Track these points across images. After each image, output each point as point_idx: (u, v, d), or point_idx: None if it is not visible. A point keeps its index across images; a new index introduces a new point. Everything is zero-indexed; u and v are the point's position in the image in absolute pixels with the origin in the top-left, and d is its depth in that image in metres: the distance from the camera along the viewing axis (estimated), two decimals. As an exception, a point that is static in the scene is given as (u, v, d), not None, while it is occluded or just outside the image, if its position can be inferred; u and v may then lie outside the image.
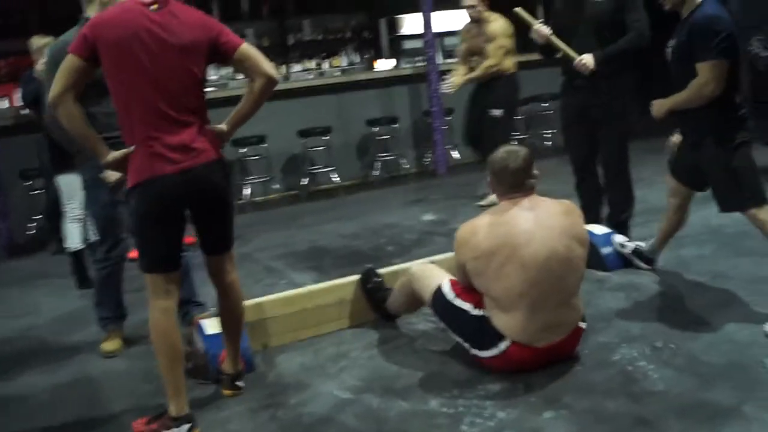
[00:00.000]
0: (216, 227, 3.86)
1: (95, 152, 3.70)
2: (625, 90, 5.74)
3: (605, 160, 5.90)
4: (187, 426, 3.71)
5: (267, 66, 3.71)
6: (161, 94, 3.56)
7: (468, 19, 8.28)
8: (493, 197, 7.44)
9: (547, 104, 11.43)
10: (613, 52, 5.58)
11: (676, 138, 4.86)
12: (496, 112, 8.11)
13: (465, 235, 3.99)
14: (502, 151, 4.01)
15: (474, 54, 8.19)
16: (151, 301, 3.72)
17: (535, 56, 11.28)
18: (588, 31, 5.67)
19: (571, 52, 5.64)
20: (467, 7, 8.13)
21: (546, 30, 5.78)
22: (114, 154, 3.66)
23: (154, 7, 3.60)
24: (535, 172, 4.01)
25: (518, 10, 5.95)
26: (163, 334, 3.69)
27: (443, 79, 8.41)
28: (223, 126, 3.82)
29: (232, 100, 3.98)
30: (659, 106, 4.65)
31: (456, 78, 8.16)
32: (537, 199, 3.99)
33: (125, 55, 3.52)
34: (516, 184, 3.95)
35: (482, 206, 7.82)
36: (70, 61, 3.55)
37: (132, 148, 3.62)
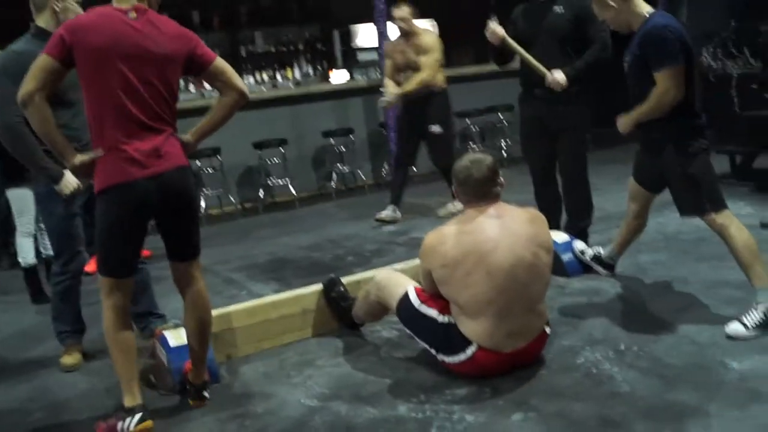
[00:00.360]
0: (184, 233, 3.92)
1: (62, 155, 3.72)
2: (584, 100, 5.81)
3: (564, 169, 5.98)
4: (139, 414, 3.80)
5: (239, 82, 3.84)
6: (137, 101, 3.60)
7: (396, 34, 8.19)
8: (451, 207, 7.74)
9: (502, 115, 11.52)
10: (582, 66, 5.64)
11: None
12: (436, 129, 8.07)
13: (432, 243, 4.03)
14: (466, 160, 4.06)
15: (401, 70, 8.05)
16: (104, 300, 3.82)
17: (488, 68, 11.42)
18: (549, 42, 5.71)
19: (540, 67, 5.66)
20: (398, 20, 8.01)
21: (501, 30, 5.76)
22: (81, 158, 3.68)
23: (133, 15, 3.65)
24: (501, 179, 4.07)
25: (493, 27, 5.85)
26: (115, 329, 3.81)
27: (380, 92, 8.28)
28: (188, 136, 3.87)
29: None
30: (625, 122, 4.70)
31: (390, 91, 8.00)
32: (503, 207, 4.05)
33: (104, 60, 3.55)
34: (482, 193, 4.01)
35: (440, 217, 7.89)
36: (43, 62, 3.56)
37: (99, 152, 3.64)
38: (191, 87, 12.87)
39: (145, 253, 3.99)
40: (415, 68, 7.89)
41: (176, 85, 3.76)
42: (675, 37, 4.34)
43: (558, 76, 5.59)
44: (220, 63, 3.83)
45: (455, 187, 4.10)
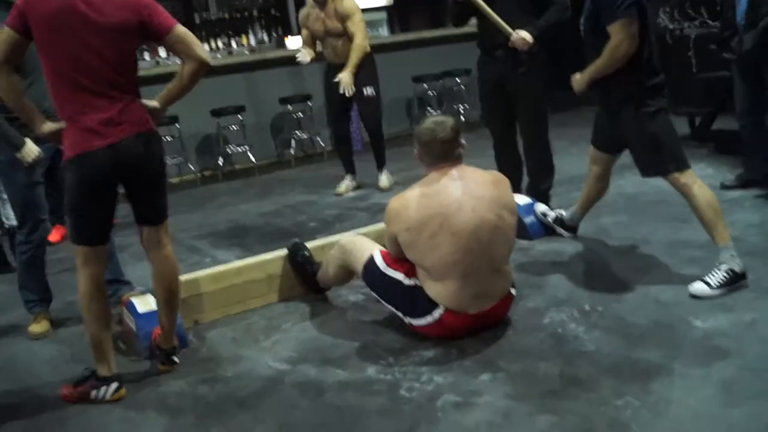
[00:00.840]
0: (150, 198, 3.93)
1: (31, 123, 3.76)
2: (542, 62, 5.84)
3: (525, 131, 6.01)
4: (115, 384, 3.86)
5: (200, 50, 3.77)
6: (87, 72, 3.59)
7: (309, 2, 7.84)
8: (347, 184, 8.04)
9: (459, 80, 11.56)
10: (544, 26, 5.64)
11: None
12: (370, 91, 7.93)
13: (396, 207, 4.06)
14: (429, 122, 4.09)
15: (320, 38, 7.85)
16: (79, 270, 3.83)
17: (444, 32, 11.45)
18: (510, 4, 5.68)
19: (506, 26, 5.65)
20: None
21: None
22: (49, 125, 3.73)
23: None
24: (463, 141, 4.10)
25: None
26: (90, 299, 3.83)
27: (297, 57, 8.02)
28: (155, 102, 3.86)
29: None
30: (579, 80, 4.73)
31: (306, 54, 7.87)
32: (465, 169, 4.08)
33: (53, 30, 3.54)
34: (445, 155, 4.04)
35: (338, 194, 8.10)
36: (5, 34, 3.57)
37: (62, 124, 3.68)
38: (146, 55, 12.76)
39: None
40: (336, 35, 7.69)
41: (131, 53, 3.73)
42: None
43: (523, 34, 5.60)
44: (179, 31, 3.74)
45: (417, 149, 4.11)
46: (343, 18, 7.60)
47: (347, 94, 7.61)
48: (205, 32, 13.71)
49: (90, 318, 3.84)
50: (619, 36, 4.39)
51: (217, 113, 9.87)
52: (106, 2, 3.60)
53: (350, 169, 8.32)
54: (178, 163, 9.81)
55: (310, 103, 10.56)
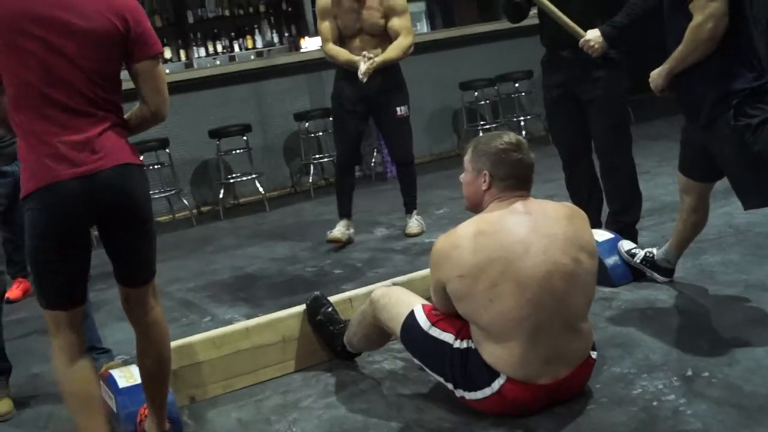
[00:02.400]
0: (132, 250, 3.82)
1: None
2: (622, 63, 5.79)
3: (601, 150, 5.96)
4: None
5: (167, 103, 3.80)
6: (60, 84, 3.53)
7: None
8: (342, 231, 7.75)
9: (518, 84, 11.53)
10: (625, 23, 5.59)
11: None
12: (404, 110, 7.67)
13: (446, 248, 3.97)
14: (508, 138, 4.02)
15: (350, 36, 7.48)
16: (54, 342, 3.72)
17: (499, 25, 11.44)
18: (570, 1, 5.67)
19: (576, 27, 5.62)
20: None
21: None
22: None
23: None
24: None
25: None
26: (69, 375, 3.72)
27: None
28: None
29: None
30: (657, 75, 4.67)
31: (368, 63, 7.25)
32: (533, 202, 4.01)
33: (16, 33, 3.49)
34: (523, 181, 4.00)
35: (333, 241, 7.71)
36: None
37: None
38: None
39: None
40: (372, 33, 7.42)
41: (115, 63, 3.67)
42: None
43: (593, 35, 5.56)
44: (160, 65, 3.77)
45: (480, 173, 4.01)
46: (390, 12, 7.41)
47: (361, 77, 7.15)
48: (201, 34, 13.85)
49: (72, 400, 3.75)
50: (703, 13, 4.32)
51: (216, 134, 9.92)
52: (85, 3, 3.57)
53: (347, 212, 7.85)
54: (169, 197, 9.81)
55: (331, 119, 10.53)
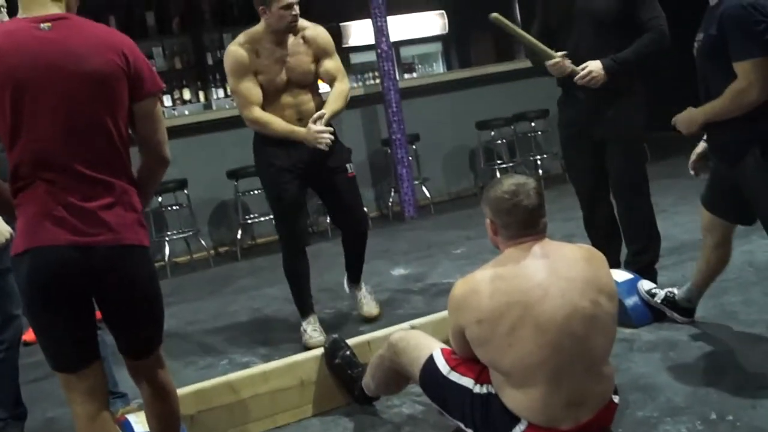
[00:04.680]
0: (136, 329, 3.64)
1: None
2: (639, 101, 5.74)
3: (618, 190, 5.89)
4: None
5: (167, 144, 3.66)
6: (65, 140, 3.35)
7: (258, 33, 6.05)
8: (314, 334, 6.21)
9: (534, 123, 11.49)
10: (630, 59, 5.53)
11: (701, 148, 4.83)
12: (352, 168, 6.42)
13: (464, 293, 3.90)
14: (506, 184, 3.93)
15: (272, 91, 6.05)
16: (72, 409, 3.54)
17: (516, 65, 11.41)
18: (588, 29, 5.62)
19: (546, 49, 5.57)
20: (283, 7, 5.84)
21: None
22: None
23: (46, 25, 3.39)
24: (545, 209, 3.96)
25: (495, 16, 5.68)
26: None
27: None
28: None
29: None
30: (690, 120, 4.60)
31: (317, 129, 5.90)
32: (550, 244, 3.93)
33: (14, 89, 3.32)
34: (527, 226, 3.88)
35: (310, 348, 5.93)
36: None
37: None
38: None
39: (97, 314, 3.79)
40: (303, 84, 6.14)
41: (123, 113, 3.48)
42: (766, 20, 4.21)
43: (594, 66, 5.50)
44: (159, 104, 3.63)
45: (490, 220, 3.96)
46: (321, 54, 6.17)
47: (323, 147, 5.92)
48: (220, 75, 13.82)
49: None
50: (748, 78, 4.25)
51: (234, 175, 9.89)
52: (84, 42, 3.40)
53: (311, 305, 6.45)
54: (187, 237, 9.78)
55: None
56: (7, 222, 4.47)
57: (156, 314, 3.65)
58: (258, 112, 5.97)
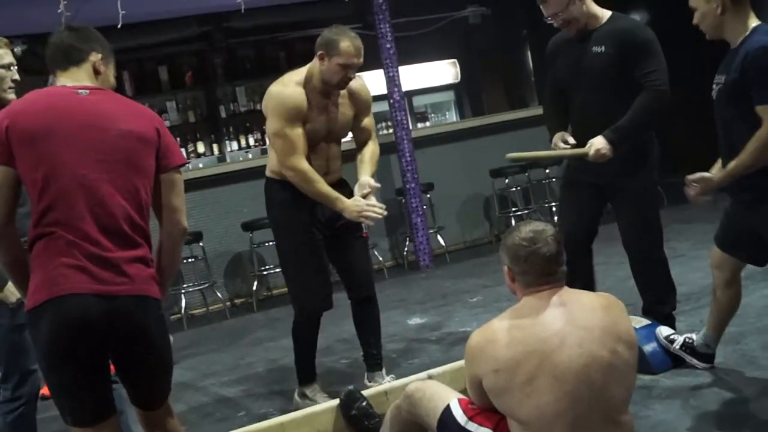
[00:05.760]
0: (148, 382, 3.71)
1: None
2: (649, 158, 5.71)
3: (632, 245, 5.83)
4: None
5: (185, 213, 3.77)
6: (95, 196, 3.45)
7: (290, 83, 5.66)
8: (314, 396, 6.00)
9: (548, 170, 11.50)
10: (629, 126, 5.44)
11: (717, 168, 4.79)
12: (366, 231, 6.05)
13: (480, 342, 3.85)
14: (524, 231, 3.89)
15: (316, 142, 5.64)
16: None
17: (528, 112, 11.41)
18: (589, 91, 5.62)
19: (576, 151, 5.58)
20: (354, 55, 5.54)
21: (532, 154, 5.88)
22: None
23: (84, 91, 3.58)
24: (565, 257, 3.92)
25: (511, 156, 5.81)
26: None
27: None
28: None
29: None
30: (709, 183, 4.53)
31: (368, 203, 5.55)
32: (568, 293, 3.88)
33: (45, 145, 3.42)
34: (545, 274, 3.84)
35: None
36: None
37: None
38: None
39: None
40: (338, 137, 5.88)
41: (149, 178, 3.62)
42: None
43: (600, 145, 5.42)
44: (179, 177, 3.76)
45: (507, 268, 3.92)
46: (362, 109, 5.90)
47: (369, 223, 5.61)
48: (233, 128, 13.87)
49: None
50: None
51: (249, 227, 9.88)
52: (117, 107, 3.61)
53: (314, 373, 6.18)
54: (202, 290, 9.77)
55: (363, 207, 10.50)
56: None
57: (167, 365, 3.72)
58: (306, 165, 5.47)
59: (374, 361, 6.11)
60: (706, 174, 4.53)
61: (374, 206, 5.52)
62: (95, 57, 3.72)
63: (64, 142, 3.42)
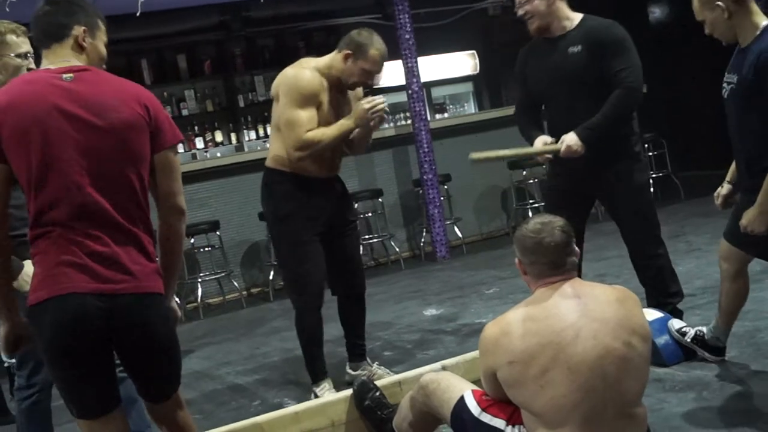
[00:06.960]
0: (155, 375, 3.66)
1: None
2: (634, 155, 5.71)
3: (634, 245, 5.85)
4: None
5: (183, 196, 3.66)
6: (87, 189, 3.37)
7: (312, 72, 5.68)
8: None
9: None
10: (601, 123, 5.44)
11: (726, 190, 4.80)
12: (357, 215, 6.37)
13: (494, 334, 3.86)
14: (533, 223, 3.91)
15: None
16: None
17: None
18: (569, 92, 5.61)
19: (546, 148, 5.58)
20: (381, 58, 5.70)
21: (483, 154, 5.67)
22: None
23: (69, 76, 3.43)
24: (576, 248, 3.92)
25: (475, 158, 5.70)
26: None
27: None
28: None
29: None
30: (758, 222, 4.46)
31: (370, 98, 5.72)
32: (582, 284, 3.89)
33: (37, 142, 3.35)
34: (556, 264, 3.84)
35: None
36: None
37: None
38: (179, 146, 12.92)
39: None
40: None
41: (146, 164, 3.52)
42: None
43: (572, 141, 5.44)
44: (177, 155, 3.65)
45: (518, 259, 3.94)
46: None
47: (385, 117, 5.79)
48: (252, 117, 13.86)
49: None
50: None
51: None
52: (104, 94, 3.44)
53: (324, 370, 6.10)
54: (219, 279, 9.79)
55: (381, 200, 10.51)
56: None
57: (173, 359, 3.67)
58: (310, 132, 5.48)
59: (360, 351, 6.22)
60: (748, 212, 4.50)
61: (374, 99, 5.59)
62: (78, 30, 3.53)
63: (57, 140, 3.33)
